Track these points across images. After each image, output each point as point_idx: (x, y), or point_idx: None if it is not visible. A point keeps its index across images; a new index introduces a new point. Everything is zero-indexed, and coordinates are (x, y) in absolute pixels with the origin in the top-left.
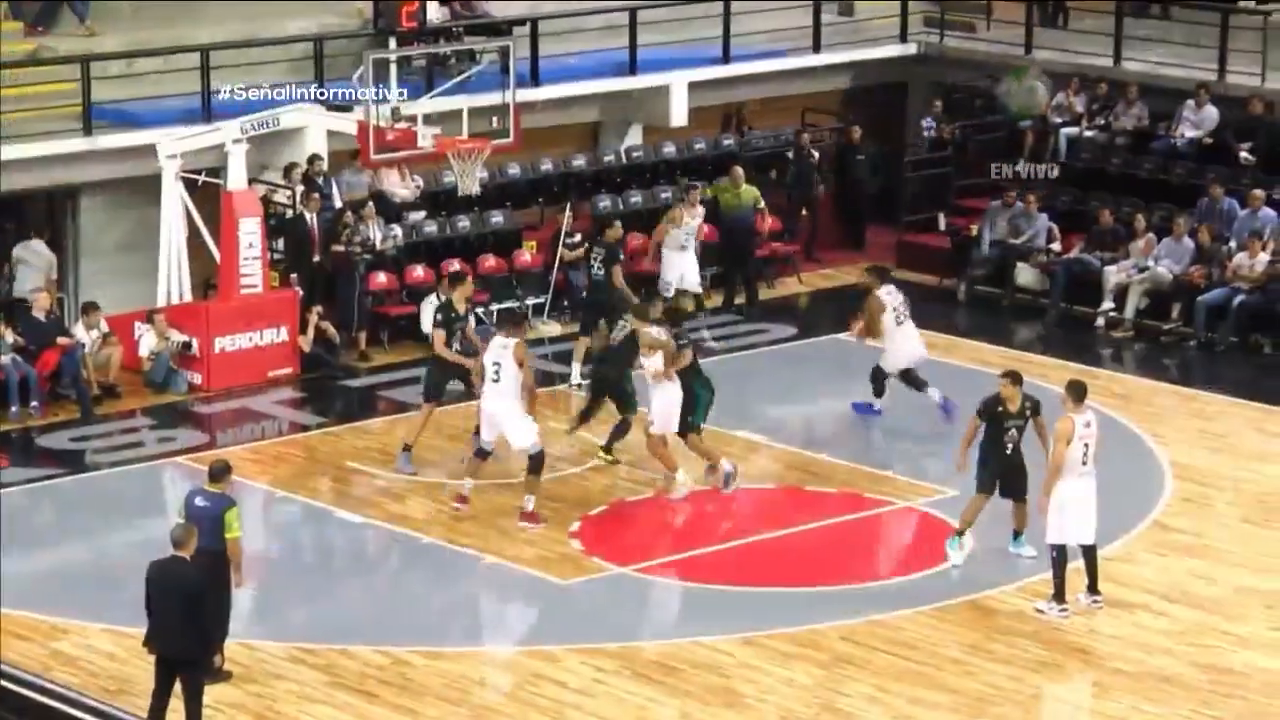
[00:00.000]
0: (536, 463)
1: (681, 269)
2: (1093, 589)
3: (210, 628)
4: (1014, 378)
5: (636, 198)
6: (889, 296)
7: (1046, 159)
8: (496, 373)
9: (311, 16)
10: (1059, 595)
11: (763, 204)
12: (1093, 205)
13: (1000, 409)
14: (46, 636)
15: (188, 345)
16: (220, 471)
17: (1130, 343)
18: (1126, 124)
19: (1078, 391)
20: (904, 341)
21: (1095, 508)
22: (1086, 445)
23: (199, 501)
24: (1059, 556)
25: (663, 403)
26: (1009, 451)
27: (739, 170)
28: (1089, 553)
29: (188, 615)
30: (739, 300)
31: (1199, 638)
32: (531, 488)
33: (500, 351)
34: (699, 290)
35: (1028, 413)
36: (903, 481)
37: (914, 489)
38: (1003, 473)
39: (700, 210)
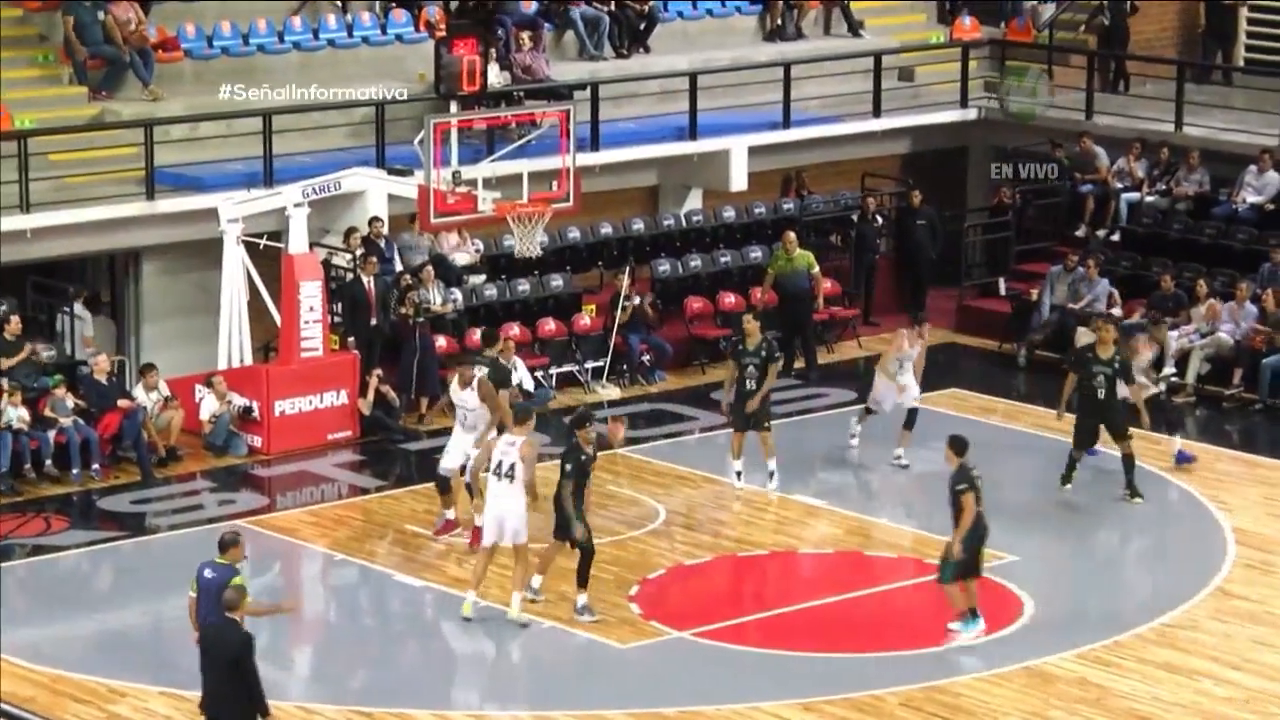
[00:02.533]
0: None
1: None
2: None
3: (256, 690)
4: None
5: (696, 262)
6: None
7: (1108, 224)
8: (511, 470)
9: (373, 82)
10: None
11: (816, 268)
12: (1154, 270)
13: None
14: (105, 700)
15: (248, 409)
16: (228, 543)
17: (1192, 407)
18: (1188, 189)
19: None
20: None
21: None
22: None
23: (207, 574)
24: None
25: None
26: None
27: (791, 235)
28: None
29: (234, 679)
30: (798, 365)
31: (1264, 705)
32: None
33: (508, 449)
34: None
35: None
36: None
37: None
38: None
39: (924, 341)
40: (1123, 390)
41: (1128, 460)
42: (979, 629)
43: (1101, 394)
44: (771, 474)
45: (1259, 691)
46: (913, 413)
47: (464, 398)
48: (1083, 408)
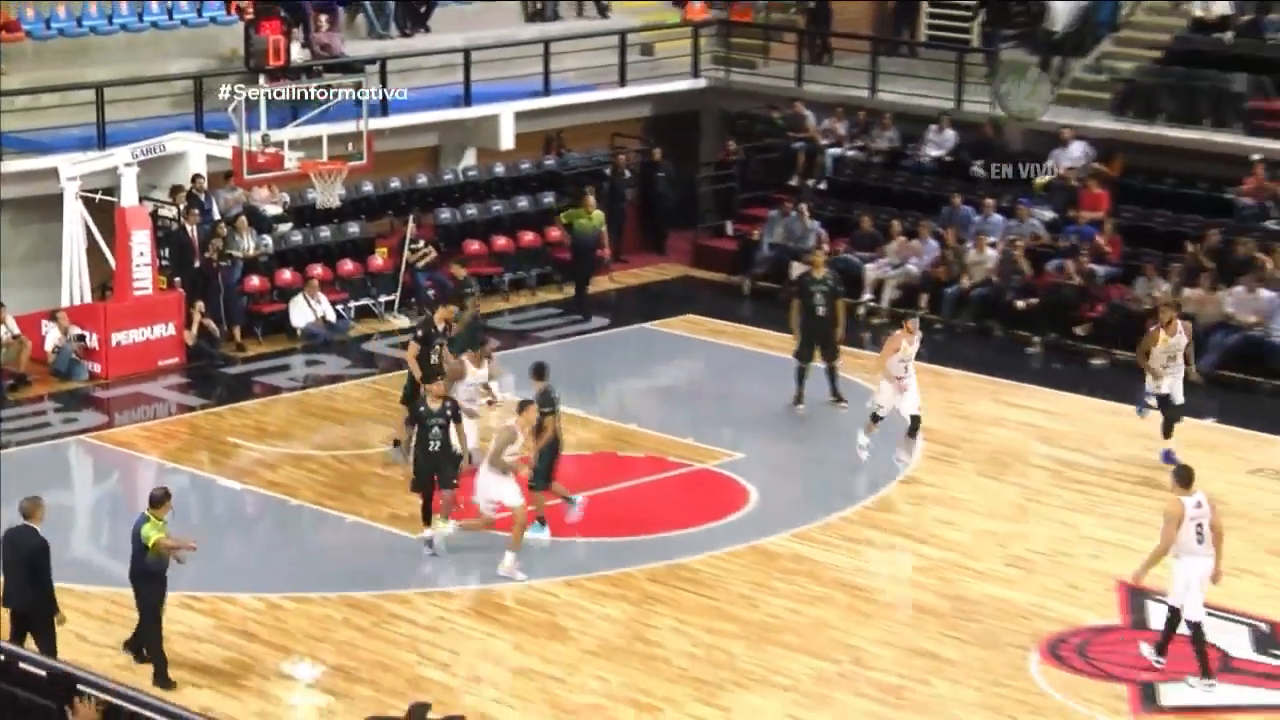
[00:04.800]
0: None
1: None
2: (1161, 651)
3: (49, 587)
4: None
5: (472, 210)
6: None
7: (816, 176)
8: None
9: (192, 59)
10: (1205, 672)
11: (604, 227)
12: (855, 213)
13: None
14: None
15: (81, 338)
16: (155, 498)
17: (887, 328)
18: (881, 145)
19: (1185, 476)
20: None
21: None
22: (1199, 525)
23: (136, 524)
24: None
25: None
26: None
27: (591, 198)
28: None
29: (32, 575)
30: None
31: (945, 573)
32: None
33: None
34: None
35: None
36: (699, 447)
37: (708, 454)
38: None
39: (918, 336)
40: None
41: (832, 372)
42: (545, 535)
43: (820, 310)
44: None
45: (942, 561)
46: (915, 419)
47: (478, 375)
48: (805, 325)
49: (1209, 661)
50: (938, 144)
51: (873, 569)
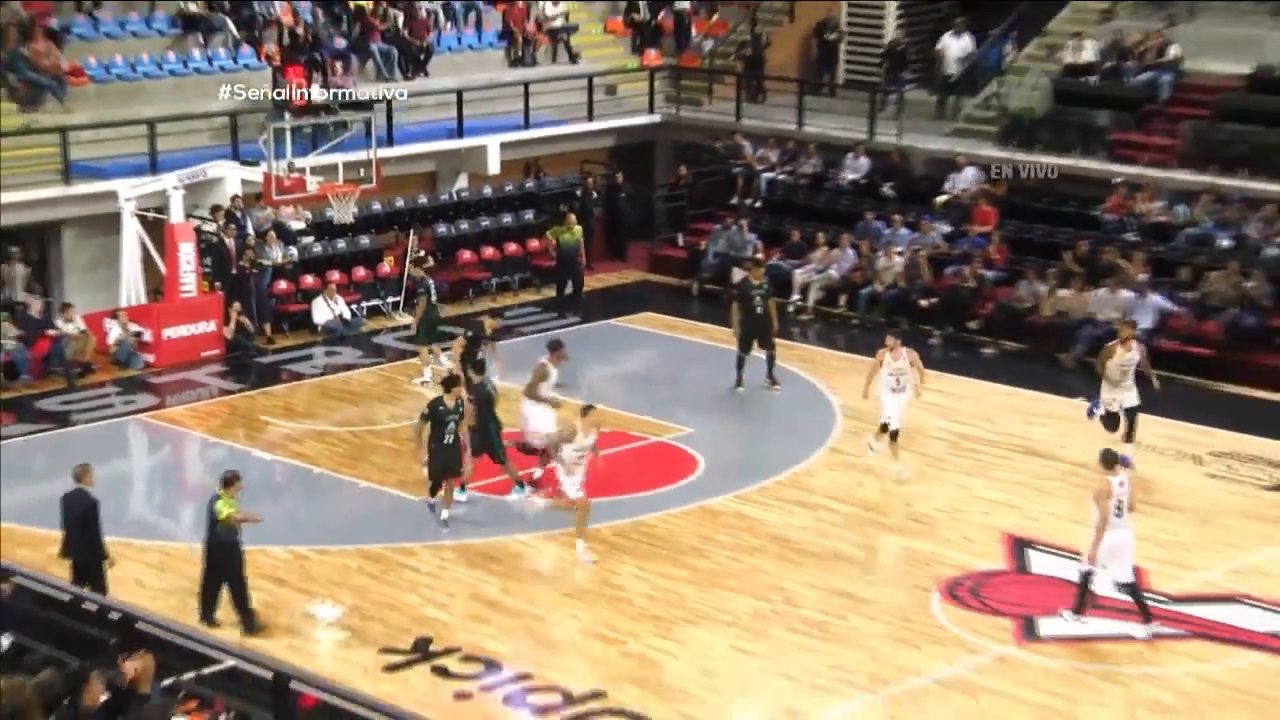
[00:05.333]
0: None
1: (891, 409)
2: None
3: (99, 539)
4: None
5: (464, 225)
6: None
7: (753, 196)
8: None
9: (229, 98)
10: (1146, 618)
11: (582, 240)
12: (786, 227)
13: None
14: (41, 544)
15: (138, 333)
16: (227, 479)
17: (811, 323)
18: (807, 170)
19: (1109, 459)
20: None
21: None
22: (1120, 501)
23: (210, 501)
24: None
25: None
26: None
27: (572, 217)
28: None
29: (84, 530)
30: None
31: (861, 527)
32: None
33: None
34: (896, 427)
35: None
36: (655, 423)
37: (663, 428)
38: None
39: (904, 352)
40: None
41: (770, 360)
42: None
43: (759, 310)
44: None
45: (857, 517)
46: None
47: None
48: (744, 322)
49: (1146, 609)
50: (854, 169)
51: (800, 524)
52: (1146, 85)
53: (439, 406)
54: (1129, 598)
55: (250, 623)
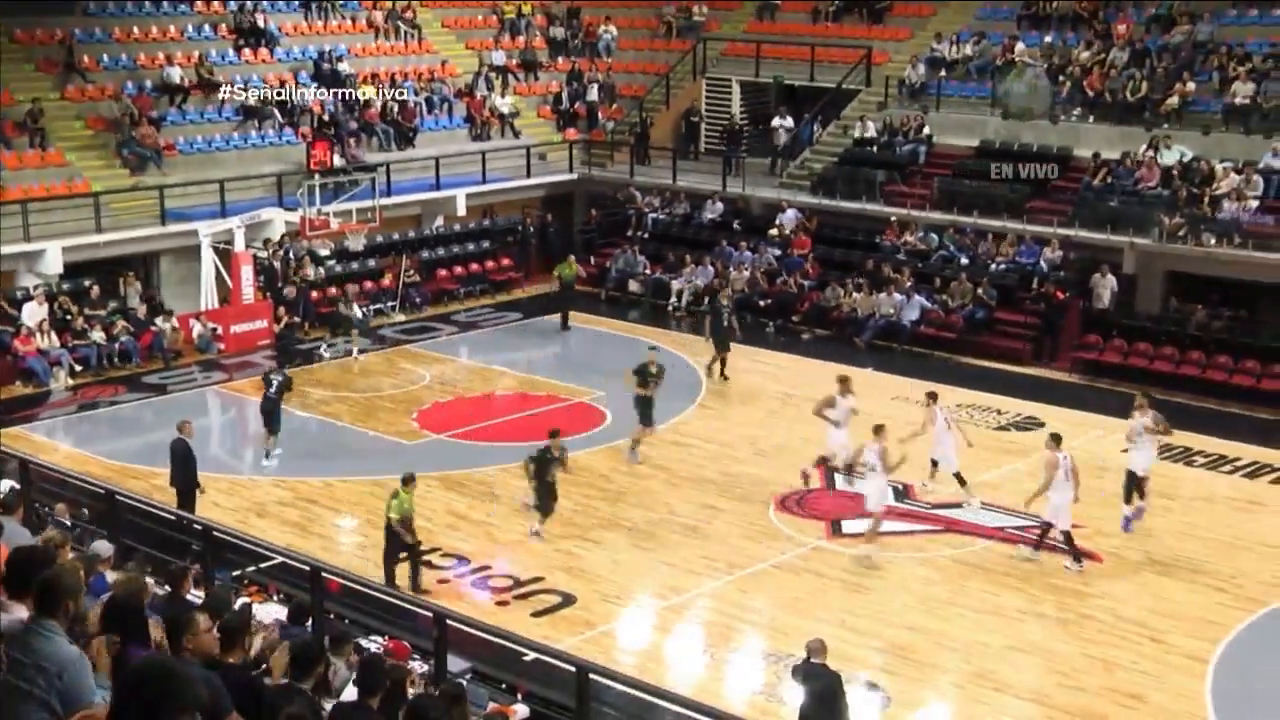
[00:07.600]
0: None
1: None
2: (1036, 548)
3: (194, 474)
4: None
5: (441, 251)
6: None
7: (642, 230)
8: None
9: (276, 163)
10: (1076, 557)
11: (576, 271)
12: (664, 251)
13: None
14: (147, 477)
15: (214, 329)
16: (406, 479)
17: (685, 319)
18: (679, 211)
19: (1057, 439)
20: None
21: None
22: (1066, 470)
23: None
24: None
25: None
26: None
27: (571, 257)
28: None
29: (183, 467)
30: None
31: (720, 459)
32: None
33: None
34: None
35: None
36: (576, 389)
37: (581, 392)
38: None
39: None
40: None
41: (723, 360)
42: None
43: (725, 322)
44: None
45: (718, 452)
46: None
47: (846, 401)
48: (714, 329)
49: (1078, 553)
50: (712, 211)
51: (678, 457)
52: (910, 153)
53: (547, 453)
54: (1064, 545)
55: (416, 584)
